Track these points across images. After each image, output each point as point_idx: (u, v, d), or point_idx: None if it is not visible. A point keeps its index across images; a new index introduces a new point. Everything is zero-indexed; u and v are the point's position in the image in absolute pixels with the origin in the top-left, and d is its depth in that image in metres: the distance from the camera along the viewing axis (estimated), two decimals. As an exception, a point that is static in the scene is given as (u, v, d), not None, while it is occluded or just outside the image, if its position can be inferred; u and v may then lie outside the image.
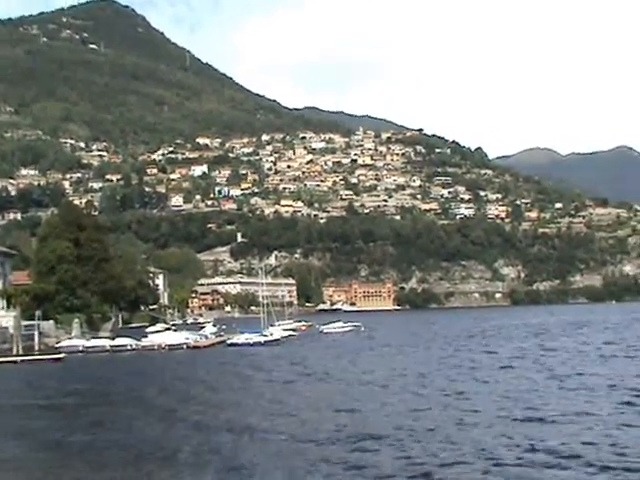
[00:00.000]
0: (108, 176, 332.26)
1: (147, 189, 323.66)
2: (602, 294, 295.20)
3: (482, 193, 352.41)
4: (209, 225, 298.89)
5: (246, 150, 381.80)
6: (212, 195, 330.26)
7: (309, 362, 54.05)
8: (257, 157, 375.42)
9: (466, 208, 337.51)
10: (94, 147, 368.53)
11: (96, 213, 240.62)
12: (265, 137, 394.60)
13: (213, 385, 41.29)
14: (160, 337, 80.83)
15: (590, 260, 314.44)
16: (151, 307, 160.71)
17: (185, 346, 75.43)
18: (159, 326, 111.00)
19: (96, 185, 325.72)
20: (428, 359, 53.01)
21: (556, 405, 28.47)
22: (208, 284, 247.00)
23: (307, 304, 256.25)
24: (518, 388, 33.88)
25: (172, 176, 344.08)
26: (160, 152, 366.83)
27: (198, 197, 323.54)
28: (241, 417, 28.85)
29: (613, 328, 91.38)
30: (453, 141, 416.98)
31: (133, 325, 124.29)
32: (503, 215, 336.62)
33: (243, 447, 22.89)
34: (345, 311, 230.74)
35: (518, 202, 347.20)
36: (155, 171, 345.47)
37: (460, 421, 25.79)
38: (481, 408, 28.43)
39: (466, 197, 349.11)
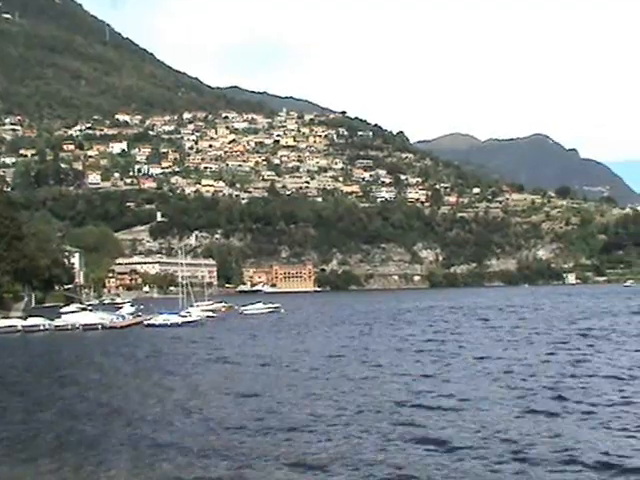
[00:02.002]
0: (22, 151, 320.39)
1: (63, 165, 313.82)
2: (516, 278, 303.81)
3: (403, 177, 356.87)
4: (128, 204, 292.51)
5: (167, 128, 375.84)
6: (131, 173, 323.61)
7: (219, 344, 53.09)
8: (178, 135, 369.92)
9: (387, 191, 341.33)
10: (7, 121, 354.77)
11: (8, 189, 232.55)
12: (187, 115, 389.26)
13: (105, 368, 39.61)
14: (74, 317, 78.63)
15: (506, 244, 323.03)
16: (66, 287, 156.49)
17: (100, 326, 73.73)
18: (74, 306, 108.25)
19: (9, 160, 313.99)
20: (336, 341, 52.71)
21: (440, 390, 27.98)
22: (126, 264, 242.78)
23: (227, 285, 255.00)
24: (410, 372, 33.39)
25: (90, 153, 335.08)
26: (77, 128, 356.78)
27: (117, 175, 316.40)
28: (114, 402, 27.77)
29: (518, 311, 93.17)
30: (375, 124, 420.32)
31: (47, 305, 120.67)
32: (423, 199, 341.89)
33: (107, 434, 21.93)
34: (266, 292, 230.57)
35: (438, 186, 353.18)
36: (72, 147, 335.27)
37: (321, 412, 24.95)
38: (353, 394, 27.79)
39: (387, 180, 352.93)
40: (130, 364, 41.57)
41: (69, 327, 72.82)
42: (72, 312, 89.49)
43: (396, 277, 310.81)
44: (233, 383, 31.79)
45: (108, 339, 63.16)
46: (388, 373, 33.13)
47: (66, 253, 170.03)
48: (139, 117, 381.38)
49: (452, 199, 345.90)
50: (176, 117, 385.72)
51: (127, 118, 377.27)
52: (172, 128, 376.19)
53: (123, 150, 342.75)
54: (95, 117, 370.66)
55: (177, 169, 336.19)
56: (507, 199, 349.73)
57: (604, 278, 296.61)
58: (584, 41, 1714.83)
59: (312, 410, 24.31)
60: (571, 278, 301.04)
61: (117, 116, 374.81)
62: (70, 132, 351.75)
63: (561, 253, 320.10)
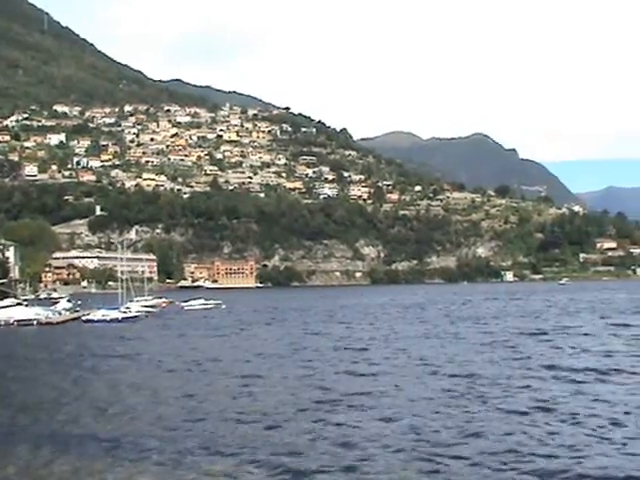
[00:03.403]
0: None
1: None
2: (456, 275, 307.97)
3: (346, 174, 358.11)
4: (66, 197, 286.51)
5: (107, 120, 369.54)
6: (70, 165, 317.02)
7: (151, 341, 52.31)
8: (119, 128, 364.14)
9: (330, 188, 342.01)
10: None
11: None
12: (128, 108, 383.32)
13: (26, 364, 38.60)
14: (8, 312, 76.43)
15: (446, 242, 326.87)
16: (0, 281, 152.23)
17: (36, 322, 71.87)
18: (8, 301, 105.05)
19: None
20: (267, 339, 52.57)
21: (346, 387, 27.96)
22: (64, 258, 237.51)
23: (168, 280, 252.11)
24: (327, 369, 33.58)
25: (26, 144, 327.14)
26: (14, 118, 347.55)
27: (54, 167, 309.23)
28: (26, 397, 27.36)
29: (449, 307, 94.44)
30: (319, 121, 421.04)
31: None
32: (365, 196, 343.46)
33: (11, 430, 21.49)
34: (207, 288, 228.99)
35: (380, 184, 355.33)
36: (7, 138, 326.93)
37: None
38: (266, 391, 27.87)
39: (330, 177, 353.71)
40: (52, 360, 40.61)
41: (2, 323, 70.82)
42: (6, 307, 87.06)
43: (338, 273, 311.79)
44: (154, 381, 31.18)
45: (41, 335, 61.68)
46: (317, 372, 32.88)
47: (0, 247, 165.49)
48: (78, 108, 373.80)
49: (394, 197, 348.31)
50: (117, 109, 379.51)
51: (66, 109, 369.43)
52: (113, 120, 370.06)
53: (61, 142, 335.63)
54: (32, 107, 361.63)
55: (117, 162, 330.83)
56: (448, 197, 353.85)
57: (540, 276, 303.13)
58: (524, 44, 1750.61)
59: (217, 407, 24.27)
60: (509, 276, 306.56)
61: (55, 107, 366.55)
62: (5, 122, 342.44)
63: (500, 251, 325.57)
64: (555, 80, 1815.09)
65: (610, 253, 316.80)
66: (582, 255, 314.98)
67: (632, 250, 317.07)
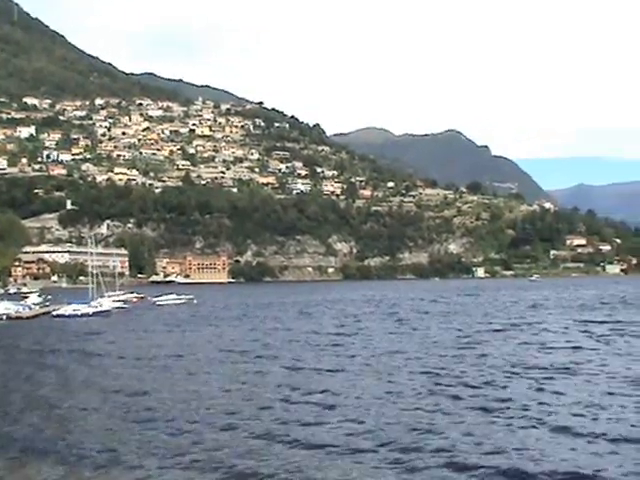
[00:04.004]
0: None
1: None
2: (428, 271, 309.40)
3: (319, 169, 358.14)
4: (36, 190, 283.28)
5: (78, 113, 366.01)
6: (40, 159, 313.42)
7: (115, 337, 51.57)
8: (90, 121, 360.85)
9: (303, 183, 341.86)
10: None
11: None
12: (99, 101, 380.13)
13: None
14: (-24, 307, 75.46)
15: (418, 238, 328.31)
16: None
17: (5, 317, 71.15)
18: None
19: None
20: (234, 334, 52.41)
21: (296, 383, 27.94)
22: (34, 252, 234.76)
23: (140, 275, 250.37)
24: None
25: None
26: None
27: (24, 160, 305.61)
28: None
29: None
30: (292, 116, 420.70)
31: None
32: (338, 192, 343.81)
33: None
34: (179, 283, 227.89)
35: (353, 180, 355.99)
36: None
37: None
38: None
39: (303, 172, 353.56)
40: (10, 356, 40.07)
41: (-30, 318, 69.96)
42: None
43: (310, 269, 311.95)
44: (107, 379, 30.52)
45: (9, 330, 60.96)
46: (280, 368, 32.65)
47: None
48: (48, 101, 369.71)
49: (367, 193, 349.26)
50: (88, 103, 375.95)
51: (36, 102, 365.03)
52: (84, 114, 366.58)
53: (31, 135, 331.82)
54: (2, 100, 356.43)
55: (88, 156, 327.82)
56: (420, 194, 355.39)
57: (511, 272, 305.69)
58: (497, 42, 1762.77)
59: (164, 407, 23.77)
60: (480, 272, 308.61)
61: (25, 99, 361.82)
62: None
63: (471, 247, 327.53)
64: (528, 78, 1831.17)
65: (580, 250, 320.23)
66: (552, 252, 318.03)
67: (601, 247, 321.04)
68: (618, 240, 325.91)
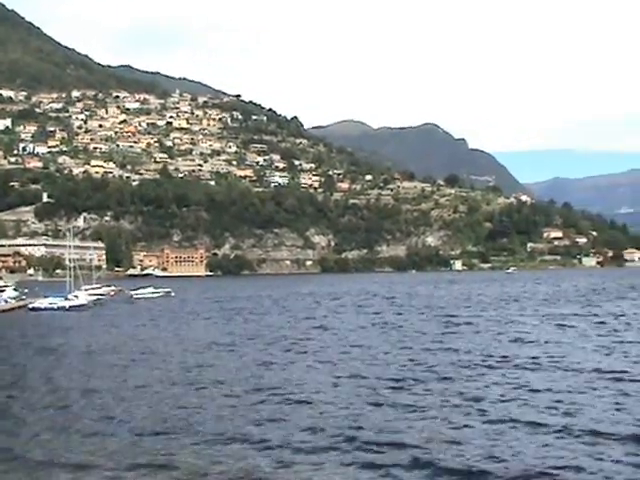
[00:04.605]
0: None
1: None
2: (405, 264, 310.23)
3: (296, 162, 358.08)
4: (12, 183, 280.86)
5: (54, 106, 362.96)
6: (16, 152, 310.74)
7: (84, 331, 51.52)
8: (66, 114, 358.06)
9: (280, 176, 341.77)
10: None
11: None
12: (76, 93, 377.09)
13: None
14: (-49, 301, 75.21)
15: (396, 231, 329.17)
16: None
17: (-20, 311, 70.77)
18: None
19: None
20: (209, 328, 52.80)
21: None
22: (9, 245, 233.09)
23: (117, 269, 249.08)
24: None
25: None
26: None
27: (0, 153, 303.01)
28: None
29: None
30: (270, 109, 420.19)
31: None
32: (316, 185, 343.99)
33: None
34: (156, 276, 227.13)
35: (331, 172, 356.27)
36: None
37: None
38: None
39: (281, 165, 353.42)
40: None
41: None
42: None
43: (288, 262, 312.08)
44: (69, 375, 29.95)
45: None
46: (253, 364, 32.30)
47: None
48: (24, 93, 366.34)
49: (345, 186, 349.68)
50: (64, 95, 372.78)
51: (11, 94, 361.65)
52: (60, 106, 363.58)
53: (7, 127, 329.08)
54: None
55: (65, 149, 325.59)
56: (398, 187, 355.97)
57: (489, 265, 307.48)
58: (475, 35, 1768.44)
59: (120, 406, 23.22)
60: (458, 265, 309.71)
61: (0, 91, 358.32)
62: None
63: (449, 240, 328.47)
64: (504, 72, 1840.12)
65: (557, 242, 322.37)
66: (529, 244, 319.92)
67: (577, 239, 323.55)
68: (594, 233, 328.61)
